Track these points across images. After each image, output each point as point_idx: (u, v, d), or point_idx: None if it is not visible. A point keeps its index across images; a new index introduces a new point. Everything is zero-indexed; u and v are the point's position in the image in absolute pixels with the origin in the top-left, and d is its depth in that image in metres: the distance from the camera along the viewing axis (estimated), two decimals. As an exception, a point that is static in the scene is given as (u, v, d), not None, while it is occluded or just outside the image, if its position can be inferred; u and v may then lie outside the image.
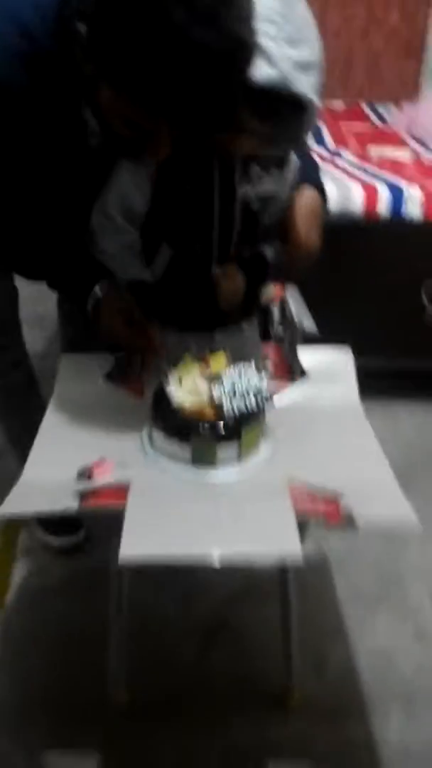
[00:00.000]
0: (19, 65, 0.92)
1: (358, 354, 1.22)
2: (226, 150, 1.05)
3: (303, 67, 0.94)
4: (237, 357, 1.21)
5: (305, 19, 0.95)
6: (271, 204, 1.20)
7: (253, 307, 1.32)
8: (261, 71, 0.90)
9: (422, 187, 1.90)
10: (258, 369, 1.00)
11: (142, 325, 1.13)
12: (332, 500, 0.90)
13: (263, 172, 1.14)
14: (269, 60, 0.90)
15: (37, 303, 1.21)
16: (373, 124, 2.70)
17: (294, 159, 1.19)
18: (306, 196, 1.20)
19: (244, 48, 0.82)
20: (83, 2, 0.85)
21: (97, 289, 1.12)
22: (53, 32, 0.91)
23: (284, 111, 0.97)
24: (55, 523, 1.59)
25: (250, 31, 0.82)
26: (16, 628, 1.40)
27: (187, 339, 1.26)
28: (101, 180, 1.15)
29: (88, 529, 1.60)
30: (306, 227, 1.18)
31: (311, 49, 0.95)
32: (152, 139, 0.91)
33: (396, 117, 2.70)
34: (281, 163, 1.16)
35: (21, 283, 1.33)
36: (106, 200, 1.16)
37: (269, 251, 1.23)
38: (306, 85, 0.95)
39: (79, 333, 1.48)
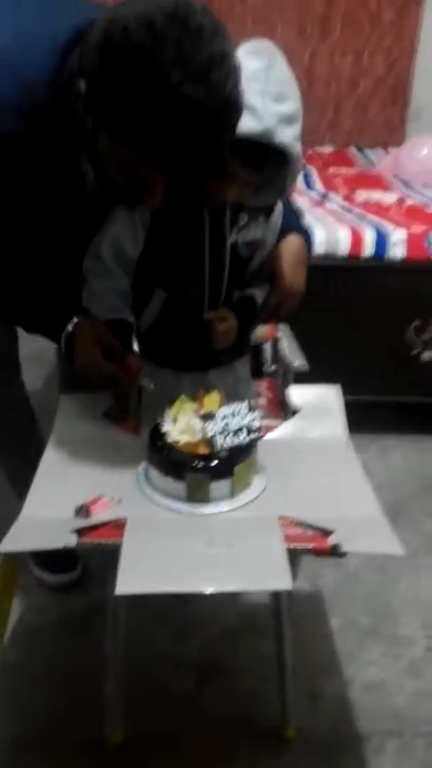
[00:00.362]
0: (18, 118, 0.97)
1: (347, 390, 1.26)
2: (215, 197, 1.12)
3: (286, 120, 1.03)
4: (229, 395, 1.25)
5: (286, 76, 1.04)
6: (259, 249, 1.26)
7: (243, 347, 1.37)
8: (247, 124, 0.99)
9: (406, 229, 1.97)
10: (250, 407, 1.04)
11: (121, 355, 1.13)
12: (321, 533, 0.93)
13: (251, 220, 1.21)
14: (254, 114, 1.00)
15: (36, 341, 1.24)
16: (361, 167, 2.79)
17: (279, 206, 1.26)
18: (291, 242, 1.27)
19: (231, 104, 0.88)
20: (84, 58, 0.90)
21: (71, 325, 1.12)
22: (52, 86, 0.95)
23: (268, 161, 1.06)
24: (51, 561, 1.60)
25: (238, 89, 0.89)
26: (12, 664, 1.41)
27: (182, 378, 1.31)
28: (94, 226, 1.20)
29: (84, 567, 1.62)
30: (291, 272, 1.26)
31: (293, 102, 1.04)
32: (146, 186, 0.97)
33: (382, 161, 2.80)
34: (268, 211, 1.23)
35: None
36: (99, 244, 1.21)
37: (258, 294, 1.29)
38: (289, 137, 1.04)
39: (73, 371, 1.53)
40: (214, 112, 0.85)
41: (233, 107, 0.89)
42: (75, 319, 1.13)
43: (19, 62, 0.95)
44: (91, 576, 1.61)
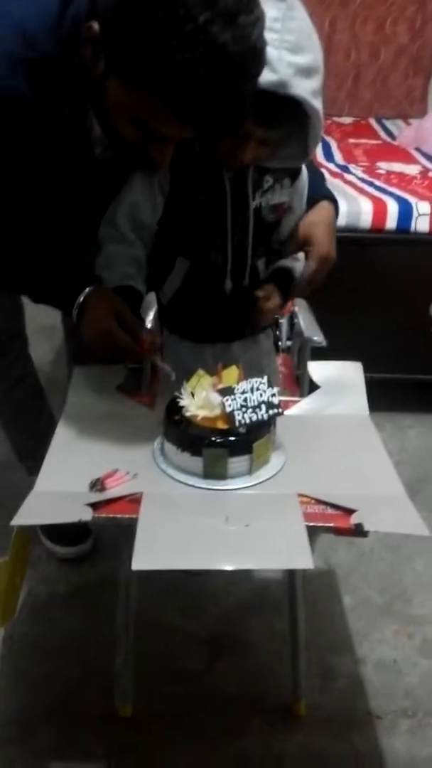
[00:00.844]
0: (21, 71, 0.92)
1: (366, 367, 1.23)
2: (231, 158, 1.06)
3: (303, 72, 0.96)
4: (253, 369, 1.23)
5: (305, 26, 0.98)
6: (287, 216, 1.22)
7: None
8: (262, 76, 0.93)
9: (431, 202, 1.91)
10: (270, 382, 1.01)
11: (135, 328, 1.08)
12: (342, 511, 0.91)
13: (276, 184, 1.16)
14: (269, 65, 0.93)
15: (45, 315, 1.22)
16: (381, 139, 2.72)
17: (305, 170, 1.21)
18: (322, 209, 1.23)
19: (257, 52, 0.85)
20: (95, 1, 0.86)
21: (82, 295, 1.08)
22: (54, 35, 0.91)
23: (285, 117, 1.00)
24: (61, 533, 1.60)
25: (263, 38, 0.85)
26: (23, 637, 1.41)
27: (204, 351, 1.28)
28: (102, 188, 1.16)
29: (95, 540, 1.61)
30: (327, 241, 1.21)
31: (311, 55, 0.98)
32: (158, 140, 0.93)
33: (404, 132, 2.73)
34: (294, 174, 1.18)
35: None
36: (115, 211, 1.17)
37: (297, 266, 1.25)
38: (306, 89, 0.97)
39: (83, 344, 1.50)
40: (240, 58, 0.81)
41: (258, 56, 0.85)
42: (87, 289, 1.08)
43: (18, 14, 0.91)
44: (100, 549, 1.61)
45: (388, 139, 2.73)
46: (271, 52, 0.92)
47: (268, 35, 0.92)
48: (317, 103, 0.99)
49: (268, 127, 1.01)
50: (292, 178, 1.18)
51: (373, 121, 2.99)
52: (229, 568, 0.85)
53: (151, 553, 0.83)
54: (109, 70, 0.88)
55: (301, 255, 1.25)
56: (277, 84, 0.94)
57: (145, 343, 1.09)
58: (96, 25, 0.86)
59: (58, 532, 1.59)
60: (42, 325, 1.58)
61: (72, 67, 0.92)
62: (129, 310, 1.09)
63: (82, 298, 1.08)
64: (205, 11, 0.77)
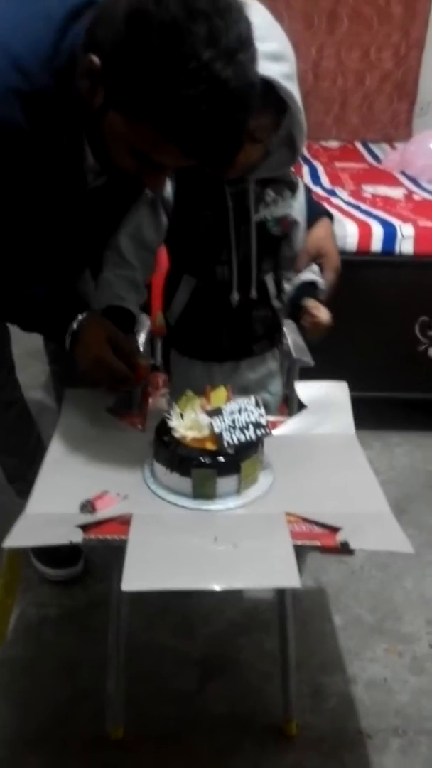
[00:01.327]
0: (17, 103, 0.93)
1: (351, 385, 1.25)
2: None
3: (268, 57, 0.99)
4: (259, 389, 1.25)
5: (267, 20, 1.02)
6: (294, 230, 1.25)
7: (276, 337, 1.36)
8: None
9: (414, 224, 1.95)
10: (258, 402, 1.03)
11: (130, 355, 1.10)
12: (328, 530, 0.93)
13: (278, 197, 1.20)
14: None
15: (31, 338, 1.23)
16: (367, 163, 2.77)
17: (301, 183, 1.25)
18: (325, 223, 1.30)
19: (254, 86, 0.88)
20: (93, 34, 0.88)
21: (75, 323, 1.09)
22: (49, 67, 0.92)
23: (266, 107, 1.01)
24: (52, 555, 1.60)
25: (257, 75, 0.89)
26: (13, 659, 1.41)
27: (213, 371, 1.30)
28: (94, 215, 1.17)
29: (86, 562, 1.61)
30: (337, 252, 1.29)
31: (276, 43, 1.01)
32: (155, 169, 0.95)
33: (389, 156, 2.79)
34: (293, 187, 1.22)
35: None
36: (119, 234, 1.20)
37: (320, 278, 1.29)
38: (275, 71, 1.00)
39: (66, 369, 1.50)
40: (241, 93, 0.84)
41: (255, 89, 0.89)
42: (80, 316, 1.09)
43: (12, 46, 0.92)
44: (91, 571, 1.61)
45: (374, 163, 2.78)
46: None
47: None
48: (291, 86, 1.02)
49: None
50: (292, 191, 1.22)
51: (359, 145, 3.05)
52: (218, 588, 0.86)
53: (141, 574, 0.84)
54: (109, 103, 0.89)
55: (315, 268, 1.30)
56: None
57: (141, 370, 1.10)
58: (96, 59, 0.87)
59: (49, 554, 1.59)
60: (29, 348, 1.59)
61: (67, 99, 0.93)
62: (123, 336, 1.11)
63: (75, 326, 1.09)
64: (209, 49, 0.80)
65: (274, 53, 0.99)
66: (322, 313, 1.24)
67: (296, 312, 1.29)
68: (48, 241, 1.13)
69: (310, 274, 1.31)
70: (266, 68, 0.98)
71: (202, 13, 0.79)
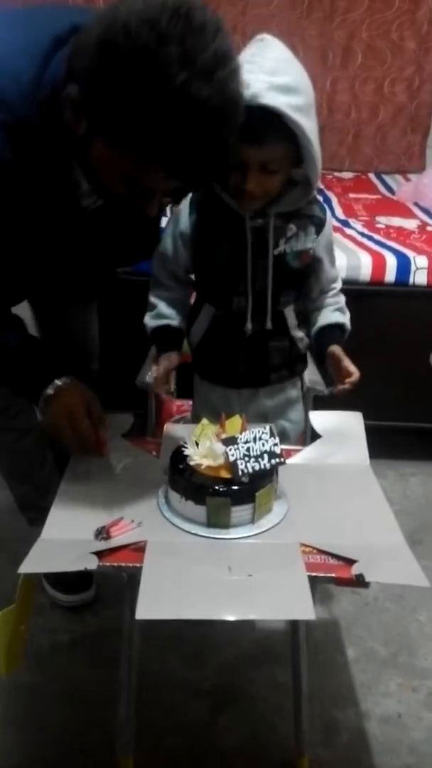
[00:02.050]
0: (0, 136, 0.93)
1: (366, 414, 1.26)
2: (236, 188, 1.12)
3: (277, 88, 1.02)
4: (278, 417, 1.25)
5: (283, 56, 1.05)
6: (319, 267, 1.27)
7: (297, 366, 1.38)
8: None
9: (428, 256, 1.97)
10: (273, 432, 1.03)
11: (100, 423, 1.12)
12: (343, 561, 0.92)
13: (300, 231, 1.22)
14: (247, 86, 0.98)
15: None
16: (380, 194, 2.80)
17: (329, 221, 1.26)
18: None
19: (236, 102, 0.87)
20: (75, 62, 0.88)
21: (52, 387, 1.11)
22: (32, 98, 0.92)
23: (273, 134, 1.04)
24: (64, 581, 1.59)
25: (241, 87, 0.89)
26: (24, 685, 1.40)
27: (232, 397, 1.33)
28: (89, 238, 1.18)
29: (98, 588, 1.61)
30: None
31: (289, 76, 1.04)
32: (146, 194, 0.95)
33: (402, 187, 2.81)
34: (319, 222, 1.24)
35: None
36: (153, 259, 1.29)
37: (346, 320, 1.31)
38: (281, 102, 1.02)
39: None
40: (220, 111, 0.84)
41: (237, 105, 0.88)
42: (59, 381, 1.11)
43: None
44: (103, 597, 1.60)
45: (388, 194, 2.80)
46: (248, 77, 0.97)
47: (247, 67, 0.98)
48: (299, 117, 1.03)
49: (258, 145, 1.06)
50: (316, 228, 1.24)
51: (372, 176, 3.08)
52: (232, 618, 0.86)
53: (155, 603, 0.85)
54: (92, 132, 0.90)
55: (342, 300, 1.33)
56: (250, 97, 0.99)
57: (103, 441, 1.12)
58: (75, 89, 0.87)
59: (62, 580, 1.59)
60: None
61: (53, 129, 0.93)
62: (99, 405, 1.12)
63: (51, 391, 1.10)
64: (184, 71, 0.79)
65: (284, 85, 1.02)
66: (352, 372, 1.23)
67: (321, 353, 1.30)
68: (30, 282, 1.14)
69: (338, 314, 1.32)
70: (273, 99, 1.01)
71: (174, 36, 0.79)
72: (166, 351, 1.26)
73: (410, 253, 1.97)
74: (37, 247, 1.10)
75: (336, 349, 1.26)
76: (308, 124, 1.05)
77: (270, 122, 1.03)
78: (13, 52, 0.93)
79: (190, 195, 1.20)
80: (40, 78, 0.92)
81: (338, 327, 1.31)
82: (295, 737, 1.25)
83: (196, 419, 1.29)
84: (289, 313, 1.29)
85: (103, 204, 1.09)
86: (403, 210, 2.50)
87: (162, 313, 1.29)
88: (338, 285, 1.34)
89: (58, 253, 1.16)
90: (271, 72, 1.02)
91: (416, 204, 2.58)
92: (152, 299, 1.31)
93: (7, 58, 0.93)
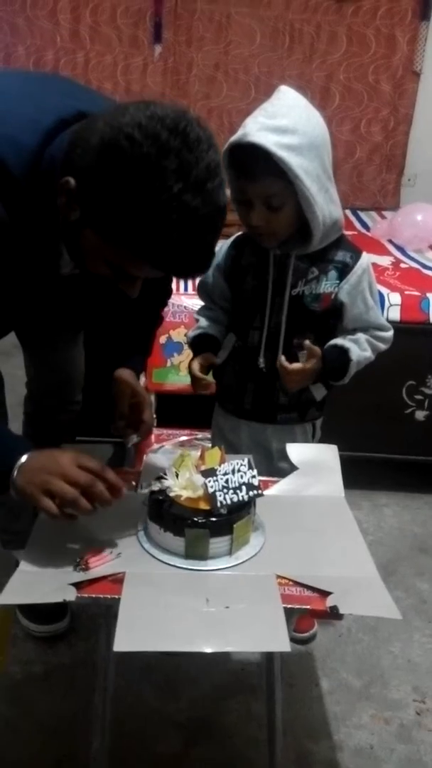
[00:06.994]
0: None
1: (340, 446, 1.29)
2: (246, 225, 1.21)
3: (271, 129, 1.09)
4: (282, 458, 1.29)
5: (291, 103, 1.13)
6: (346, 312, 1.29)
7: (306, 410, 1.40)
8: (232, 138, 1.11)
9: (401, 293, 2.03)
10: (251, 464, 1.05)
11: (102, 469, 1.02)
12: (319, 593, 0.94)
13: (322, 275, 1.27)
14: (243, 127, 1.10)
15: (25, 387, 1.26)
16: (356, 230, 2.88)
17: (357, 270, 1.27)
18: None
19: (221, 209, 0.94)
20: (72, 158, 0.92)
21: (15, 470, 0.99)
22: (28, 169, 0.96)
23: (267, 172, 1.11)
24: (38, 611, 1.58)
25: (225, 195, 0.95)
26: (-2, 718, 1.39)
27: (242, 429, 1.39)
28: (71, 300, 1.21)
29: (72, 618, 1.60)
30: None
31: (287, 119, 1.11)
32: (130, 278, 1.01)
33: (378, 225, 2.89)
34: (344, 267, 1.27)
35: (5, 367, 1.38)
36: (200, 282, 1.41)
37: (354, 347, 1.31)
38: (270, 140, 1.09)
39: (41, 434, 1.55)
40: (209, 217, 0.91)
41: (223, 212, 0.95)
42: (22, 458, 1.00)
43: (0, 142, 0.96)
44: (76, 628, 1.59)
45: (363, 231, 2.88)
46: (249, 120, 1.10)
47: (254, 113, 1.10)
48: (286, 155, 1.09)
49: (253, 181, 1.15)
50: (339, 273, 1.27)
51: (349, 213, 3.16)
52: (209, 650, 0.87)
53: (133, 634, 0.86)
54: (84, 222, 0.94)
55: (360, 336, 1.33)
56: (242, 135, 1.10)
57: (116, 485, 1.01)
58: (72, 181, 0.92)
59: (35, 610, 1.58)
60: (20, 399, 1.62)
61: (44, 204, 0.97)
62: (90, 457, 1.03)
63: (15, 473, 0.99)
64: (179, 182, 0.86)
65: (278, 126, 1.09)
66: (295, 365, 1.26)
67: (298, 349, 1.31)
68: (14, 323, 1.19)
69: (350, 342, 1.31)
70: (262, 137, 1.09)
71: (173, 149, 0.86)
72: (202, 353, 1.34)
73: (384, 290, 2.02)
74: (17, 300, 1.14)
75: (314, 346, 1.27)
76: (299, 162, 1.10)
77: (258, 159, 1.10)
78: (19, 124, 0.97)
79: None
80: (41, 154, 0.96)
81: (340, 349, 1.30)
82: (270, 769, 1.26)
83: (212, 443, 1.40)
84: (303, 356, 1.29)
85: (80, 272, 1.10)
86: (378, 247, 2.57)
87: (201, 326, 1.40)
88: (379, 332, 1.34)
89: (39, 307, 1.20)
90: (270, 116, 1.10)
91: (390, 241, 2.65)
92: (196, 316, 1.42)
93: (12, 128, 0.97)
